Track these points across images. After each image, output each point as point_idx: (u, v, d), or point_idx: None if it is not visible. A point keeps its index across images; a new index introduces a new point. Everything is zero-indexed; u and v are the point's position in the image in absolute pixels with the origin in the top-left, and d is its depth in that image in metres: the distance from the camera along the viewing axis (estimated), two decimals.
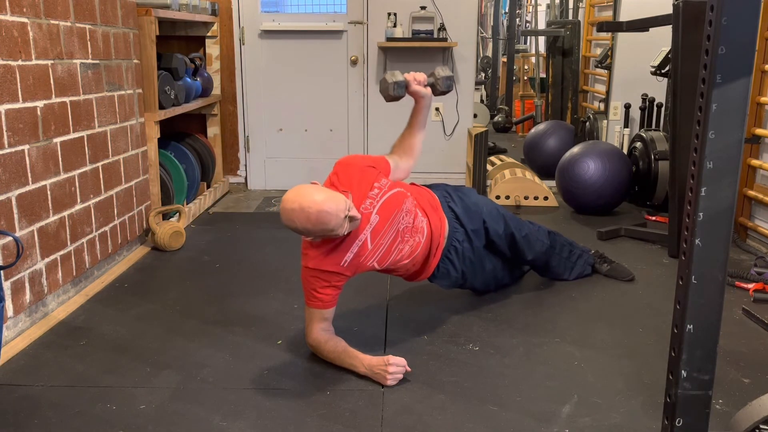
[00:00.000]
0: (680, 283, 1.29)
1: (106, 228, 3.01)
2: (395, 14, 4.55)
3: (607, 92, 5.14)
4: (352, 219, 2.00)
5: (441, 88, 2.37)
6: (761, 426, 1.38)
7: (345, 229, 2.00)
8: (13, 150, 2.31)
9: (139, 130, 3.35)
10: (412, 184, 2.47)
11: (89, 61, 2.83)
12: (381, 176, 2.22)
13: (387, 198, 2.17)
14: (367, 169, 2.19)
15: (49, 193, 2.53)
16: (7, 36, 2.28)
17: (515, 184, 4.29)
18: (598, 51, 5.51)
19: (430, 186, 2.54)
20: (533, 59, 8.13)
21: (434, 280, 2.49)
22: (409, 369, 2.05)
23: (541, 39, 7.83)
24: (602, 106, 5.31)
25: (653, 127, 4.50)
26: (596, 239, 3.52)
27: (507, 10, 8.07)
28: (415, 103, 2.38)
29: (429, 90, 2.36)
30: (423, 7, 4.55)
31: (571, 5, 6.51)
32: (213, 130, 4.58)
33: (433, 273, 2.44)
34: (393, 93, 2.27)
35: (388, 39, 4.51)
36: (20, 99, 2.35)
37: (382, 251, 2.18)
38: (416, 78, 2.31)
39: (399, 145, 2.40)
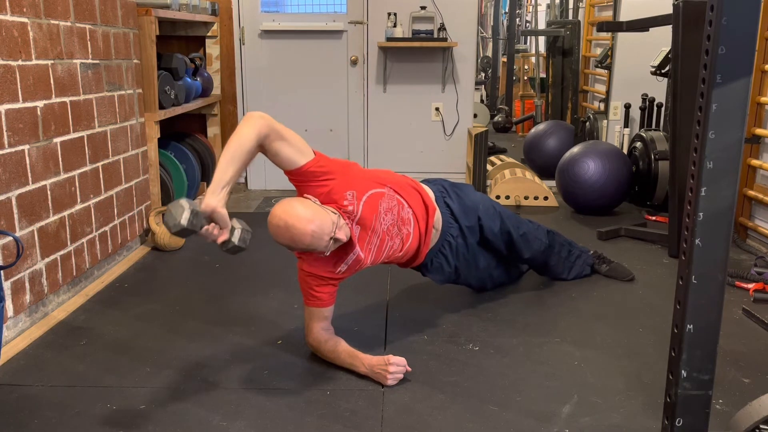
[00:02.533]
0: (680, 283, 1.29)
1: (106, 228, 3.01)
2: (395, 14, 4.55)
3: (607, 92, 5.14)
4: (336, 240, 1.97)
5: (186, 232, 1.77)
6: (761, 426, 1.38)
7: (329, 250, 1.98)
8: (13, 150, 2.31)
9: (139, 130, 3.35)
10: (404, 177, 2.37)
11: (89, 61, 2.83)
12: (342, 187, 2.05)
13: (362, 208, 2.09)
14: (329, 193, 2.03)
15: (49, 193, 2.53)
16: (7, 36, 2.28)
17: (515, 184, 4.29)
18: (598, 51, 5.51)
19: (427, 181, 2.52)
20: (533, 59, 8.13)
21: (427, 273, 2.48)
22: (409, 369, 2.05)
23: (541, 39, 7.83)
24: (602, 106, 5.31)
25: (653, 127, 4.50)
26: (596, 239, 3.52)
27: (507, 10, 8.07)
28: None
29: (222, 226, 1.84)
30: (423, 7, 4.55)
31: (571, 5, 6.51)
32: (213, 130, 4.58)
33: (426, 266, 2.44)
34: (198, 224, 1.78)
35: (388, 39, 4.51)
36: (20, 99, 2.35)
37: (373, 254, 2.17)
38: (213, 236, 1.84)
39: (266, 154, 1.97)
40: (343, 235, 1.98)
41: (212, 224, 1.83)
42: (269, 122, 1.92)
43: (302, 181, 2.03)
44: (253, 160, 1.95)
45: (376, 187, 2.17)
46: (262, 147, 1.94)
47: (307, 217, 1.89)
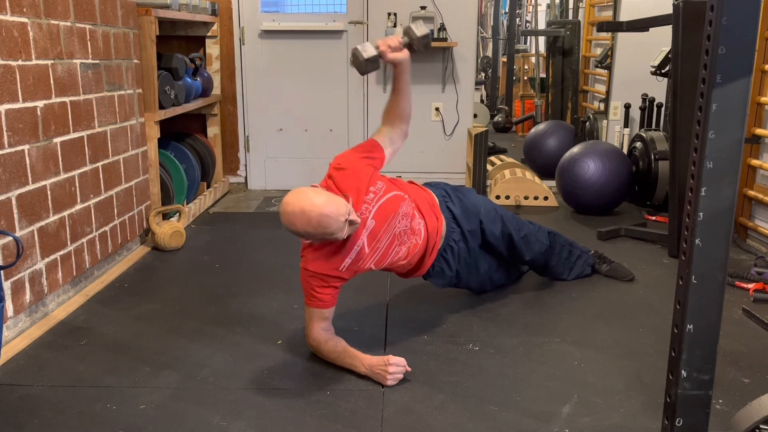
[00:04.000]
0: (680, 283, 1.29)
1: (106, 228, 3.01)
2: (395, 14, 4.55)
3: (607, 92, 5.14)
4: (352, 223, 1.99)
5: (418, 47, 2.21)
6: (761, 426, 1.38)
7: (345, 233, 2.00)
8: (13, 150, 2.31)
9: (139, 130, 3.35)
10: (411, 182, 2.45)
11: (89, 61, 2.83)
12: (377, 178, 2.18)
13: (383, 203, 2.15)
14: (362, 171, 2.15)
15: (49, 193, 2.53)
16: (7, 36, 2.28)
17: (515, 184, 4.29)
18: (598, 51, 5.51)
19: (429, 184, 2.53)
20: (533, 59, 8.13)
21: (428, 278, 2.49)
22: (409, 369, 2.05)
23: (541, 39, 7.83)
24: (602, 106, 5.31)
25: (653, 127, 4.50)
26: (596, 239, 3.52)
27: (507, 10, 8.07)
28: (394, 68, 2.23)
29: (406, 53, 2.20)
30: (423, 7, 4.55)
31: (571, 5, 6.51)
32: (213, 130, 4.58)
33: (428, 271, 2.44)
34: (367, 69, 2.18)
35: None
36: (20, 99, 2.35)
37: (379, 254, 2.18)
38: (390, 44, 2.16)
39: (389, 114, 2.28)
40: (356, 217, 2.00)
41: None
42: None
43: (372, 149, 2.23)
44: (393, 105, 2.27)
45: (400, 191, 2.25)
46: (401, 122, 2.28)
47: (321, 202, 1.93)
